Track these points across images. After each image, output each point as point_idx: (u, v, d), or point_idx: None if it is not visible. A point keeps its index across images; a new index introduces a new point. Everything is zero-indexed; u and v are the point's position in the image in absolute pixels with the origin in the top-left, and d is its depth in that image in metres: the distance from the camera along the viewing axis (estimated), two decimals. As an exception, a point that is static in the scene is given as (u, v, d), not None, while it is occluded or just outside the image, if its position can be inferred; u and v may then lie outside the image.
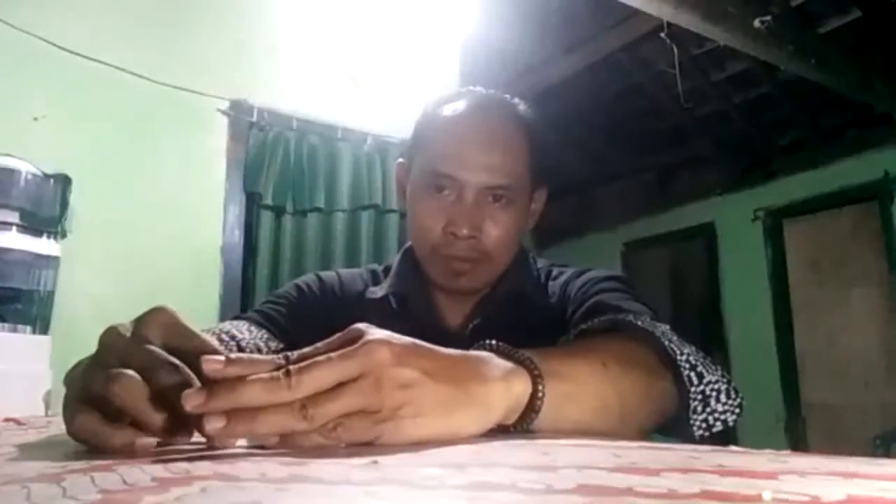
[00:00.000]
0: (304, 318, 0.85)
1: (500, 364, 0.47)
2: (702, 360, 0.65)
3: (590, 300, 0.79)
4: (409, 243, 0.92)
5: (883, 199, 3.91)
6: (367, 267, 0.99)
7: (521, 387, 0.46)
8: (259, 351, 0.79)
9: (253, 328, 0.82)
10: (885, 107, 3.76)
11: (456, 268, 0.81)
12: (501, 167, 0.80)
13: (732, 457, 0.33)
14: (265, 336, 0.82)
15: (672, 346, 0.63)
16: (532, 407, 0.47)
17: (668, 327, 0.67)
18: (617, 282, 0.84)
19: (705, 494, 0.23)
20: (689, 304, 4.83)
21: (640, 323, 0.65)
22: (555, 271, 0.91)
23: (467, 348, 0.49)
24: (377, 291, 0.90)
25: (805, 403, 4.15)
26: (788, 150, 4.46)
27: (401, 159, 0.92)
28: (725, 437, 0.49)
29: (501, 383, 0.46)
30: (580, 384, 0.52)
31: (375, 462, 0.32)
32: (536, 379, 0.47)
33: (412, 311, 0.87)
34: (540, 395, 0.47)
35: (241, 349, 0.78)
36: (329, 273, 0.96)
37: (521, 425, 0.47)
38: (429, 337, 0.45)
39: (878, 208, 3.94)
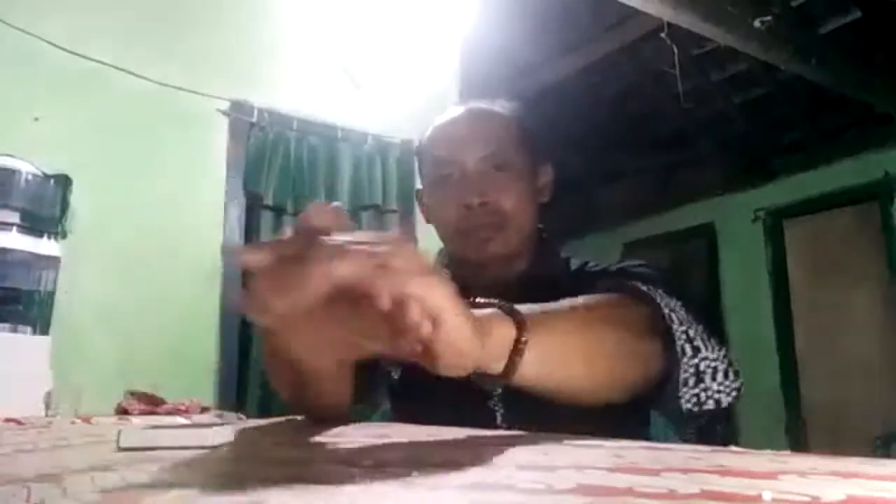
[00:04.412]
0: None
1: (484, 311, 0.47)
2: (704, 336, 0.64)
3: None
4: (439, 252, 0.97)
5: (883, 200, 3.91)
6: None
7: (503, 329, 0.46)
8: None
9: None
10: (885, 107, 3.76)
11: (482, 235, 0.86)
12: (491, 138, 0.88)
13: (733, 457, 0.33)
14: None
15: (673, 314, 0.63)
16: (517, 352, 0.46)
17: (679, 302, 0.68)
18: (649, 268, 0.84)
19: (705, 494, 0.23)
20: (688, 304, 4.82)
21: (643, 288, 0.65)
22: (591, 263, 0.93)
23: None
24: None
25: (805, 404, 4.14)
26: (788, 150, 4.46)
27: (418, 186, 1.00)
28: (726, 438, 0.49)
29: (484, 318, 0.45)
30: (563, 335, 0.52)
31: (376, 462, 0.32)
32: (520, 324, 0.47)
33: None
34: (524, 339, 0.46)
35: None
36: None
37: (508, 371, 0.46)
38: None
39: (878, 208, 3.94)
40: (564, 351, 0.52)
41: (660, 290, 0.68)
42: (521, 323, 0.47)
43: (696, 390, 0.63)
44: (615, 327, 0.58)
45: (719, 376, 0.63)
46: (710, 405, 0.63)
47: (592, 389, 0.55)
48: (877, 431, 3.66)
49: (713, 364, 0.63)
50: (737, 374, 0.65)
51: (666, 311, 0.63)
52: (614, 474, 0.27)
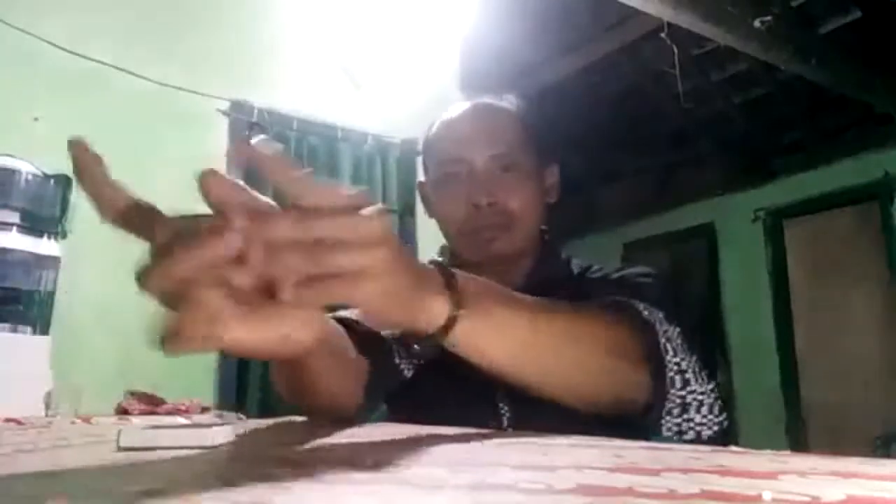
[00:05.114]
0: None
1: (429, 281, 0.47)
2: (696, 369, 0.65)
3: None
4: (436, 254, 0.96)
5: (883, 200, 3.91)
6: None
7: (436, 305, 0.46)
8: (370, 335, 0.79)
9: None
10: (885, 107, 3.76)
11: (487, 236, 0.85)
12: (500, 138, 0.87)
13: (733, 457, 0.33)
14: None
15: (668, 344, 0.63)
16: (448, 325, 0.46)
17: (677, 330, 0.67)
18: (652, 278, 0.83)
19: (705, 494, 0.23)
20: (689, 304, 4.82)
21: (644, 313, 0.65)
22: (594, 267, 0.93)
23: None
24: None
25: (805, 404, 4.14)
26: (788, 150, 4.46)
27: (421, 178, 0.98)
28: (726, 438, 0.49)
29: (417, 294, 0.45)
30: (501, 319, 0.51)
31: (376, 462, 0.32)
32: (457, 302, 0.47)
33: None
34: (456, 315, 0.46)
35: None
36: None
37: (435, 338, 0.47)
38: None
39: (878, 208, 3.94)
40: (502, 337, 0.52)
41: (661, 315, 0.67)
42: (458, 301, 0.47)
43: (679, 420, 0.64)
44: (588, 339, 0.57)
45: (704, 409, 0.64)
46: (691, 436, 0.64)
47: (530, 382, 0.55)
48: (877, 431, 3.66)
49: (700, 398, 0.64)
50: (722, 409, 0.66)
51: (662, 340, 0.63)
52: (614, 474, 0.27)
